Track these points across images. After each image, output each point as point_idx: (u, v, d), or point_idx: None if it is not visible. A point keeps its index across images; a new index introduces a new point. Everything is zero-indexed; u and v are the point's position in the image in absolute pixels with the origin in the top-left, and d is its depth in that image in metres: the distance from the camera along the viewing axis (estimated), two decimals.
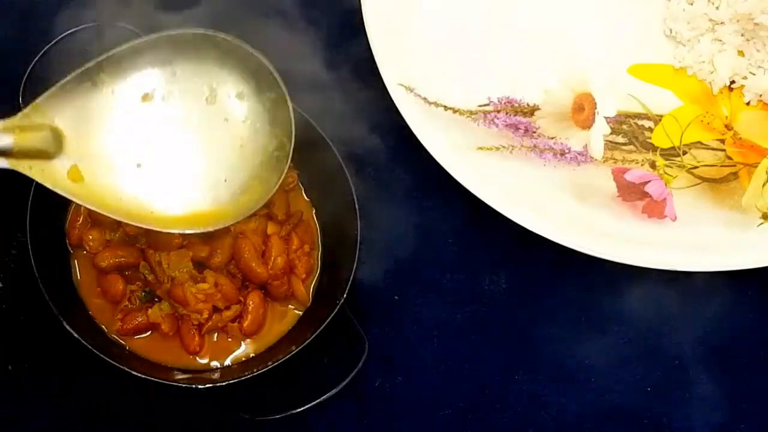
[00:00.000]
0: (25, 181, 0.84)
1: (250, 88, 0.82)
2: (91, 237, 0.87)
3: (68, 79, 0.78)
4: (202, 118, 0.82)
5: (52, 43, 0.91)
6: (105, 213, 0.80)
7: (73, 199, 0.79)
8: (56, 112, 0.78)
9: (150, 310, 0.86)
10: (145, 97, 0.81)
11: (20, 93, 0.89)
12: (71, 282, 0.88)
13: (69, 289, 0.87)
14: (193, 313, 0.86)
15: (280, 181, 0.82)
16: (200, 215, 0.82)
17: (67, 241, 0.88)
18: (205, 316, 0.86)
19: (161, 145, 0.82)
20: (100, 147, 0.80)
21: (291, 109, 0.82)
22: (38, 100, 0.77)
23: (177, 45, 0.80)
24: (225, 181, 0.82)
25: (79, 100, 0.79)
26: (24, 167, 0.77)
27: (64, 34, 0.92)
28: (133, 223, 0.81)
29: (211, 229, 0.82)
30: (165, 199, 0.82)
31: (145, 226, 0.81)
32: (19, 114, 0.77)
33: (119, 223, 0.86)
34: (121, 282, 0.87)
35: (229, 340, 0.88)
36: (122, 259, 0.87)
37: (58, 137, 0.78)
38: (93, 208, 0.79)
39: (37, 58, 0.90)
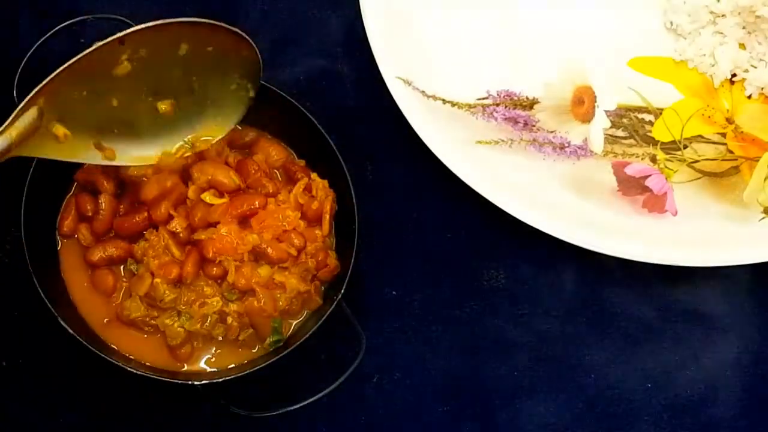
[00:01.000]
0: (20, 176, 0.84)
1: (220, 47, 0.85)
2: (83, 229, 0.88)
3: (54, 75, 0.79)
4: (169, 69, 0.85)
5: (47, 36, 0.91)
6: (88, 162, 0.85)
7: (61, 158, 0.83)
8: (41, 96, 0.80)
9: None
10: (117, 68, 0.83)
11: (14, 86, 0.89)
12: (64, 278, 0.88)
13: (62, 285, 0.87)
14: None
15: (240, 116, 0.89)
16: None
17: (57, 232, 0.88)
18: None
19: (129, 95, 0.85)
20: (78, 105, 0.82)
21: (259, 56, 0.86)
22: (27, 100, 0.79)
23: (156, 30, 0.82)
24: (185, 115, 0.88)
25: (61, 82, 0.80)
26: (21, 151, 0.79)
27: (59, 27, 0.91)
28: (113, 164, 0.86)
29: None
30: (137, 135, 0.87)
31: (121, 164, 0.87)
32: (12, 116, 0.78)
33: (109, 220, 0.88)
34: (111, 277, 0.87)
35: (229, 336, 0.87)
36: (113, 253, 0.87)
37: (41, 112, 0.80)
38: (79, 161, 0.84)
39: (31, 51, 0.90)
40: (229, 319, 0.86)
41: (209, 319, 0.86)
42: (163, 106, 0.86)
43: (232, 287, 0.86)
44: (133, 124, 0.85)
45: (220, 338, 0.86)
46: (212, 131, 0.89)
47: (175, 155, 0.88)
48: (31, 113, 0.79)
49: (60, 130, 0.82)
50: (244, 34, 0.84)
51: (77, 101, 0.81)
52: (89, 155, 0.84)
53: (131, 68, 0.82)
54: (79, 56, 0.79)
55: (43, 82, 0.78)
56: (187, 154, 0.88)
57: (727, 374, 0.94)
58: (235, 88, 0.87)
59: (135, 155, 0.87)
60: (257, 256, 0.87)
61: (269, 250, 0.86)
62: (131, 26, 0.92)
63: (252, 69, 0.86)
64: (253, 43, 0.85)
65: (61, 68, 0.79)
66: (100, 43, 0.79)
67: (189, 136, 0.88)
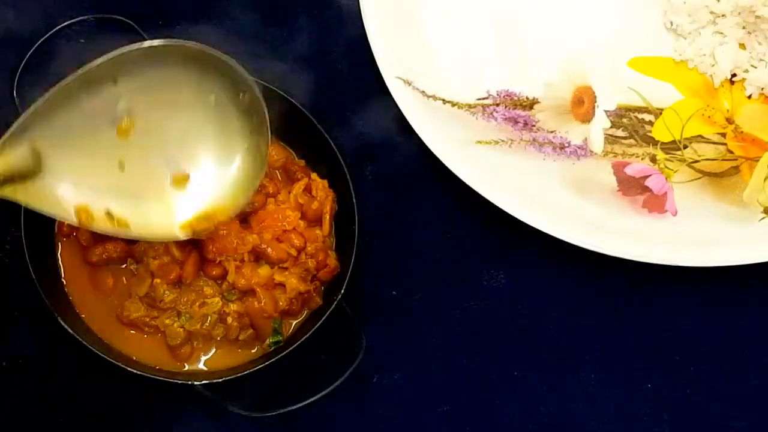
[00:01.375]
0: None
1: (223, 92, 0.82)
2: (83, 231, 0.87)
3: (43, 100, 0.76)
4: (174, 124, 0.82)
5: (47, 36, 0.91)
6: (90, 229, 0.82)
7: (62, 219, 0.81)
8: (34, 132, 0.77)
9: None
10: (119, 117, 0.81)
11: (14, 86, 0.89)
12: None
13: (62, 285, 0.87)
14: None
15: (259, 181, 0.84)
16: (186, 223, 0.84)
17: (57, 232, 0.88)
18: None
19: (138, 154, 0.82)
20: (80, 160, 0.80)
21: (266, 113, 0.82)
22: (14, 127, 0.76)
23: (148, 56, 0.78)
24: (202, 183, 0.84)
25: (56, 119, 0.78)
26: (7, 192, 0.77)
27: (59, 27, 0.91)
28: (122, 236, 0.83)
29: (191, 236, 0.84)
30: (149, 205, 0.84)
31: (136, 238, 0.84)
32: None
33: None
34: (111, 277, 0.87)
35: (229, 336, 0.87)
36: (113, 253, 0.87)
37: (37, 156, 0.78)
38: (79, 225, 0.81)
39: (31, 52, 0.90)
40: (229, 319, 0.86)
41: (209, 319, 0.86)
42: (177, 177, 0.83)
43: (232, 287, 0.86)
44: (144, 192, 0.83)
45: (220, 338, 0.86)
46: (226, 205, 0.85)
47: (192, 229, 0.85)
48: (22, 151, 0.76)
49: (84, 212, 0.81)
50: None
51: (79, 153, 0.79)
52: (99, 223, 0.82)
53: (134, 126, 0.80)
54: (68, 79, 0.76)
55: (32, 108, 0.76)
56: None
57: (724, 370, 0.94)
58: (248, 147, 0.84)
59: (149, 224, 0.83)
60: (257, 256, 0.87)
61: (269, 250, 0.86)
62: (130, 25, 0.93)
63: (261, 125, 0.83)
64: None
65: (51, 92, 0.76)
66: (90, 65, 0.76)
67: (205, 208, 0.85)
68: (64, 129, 0.78)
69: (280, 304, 0.86)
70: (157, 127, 0.82)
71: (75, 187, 0.80)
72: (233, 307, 0.86)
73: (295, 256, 0.87)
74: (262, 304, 0.85)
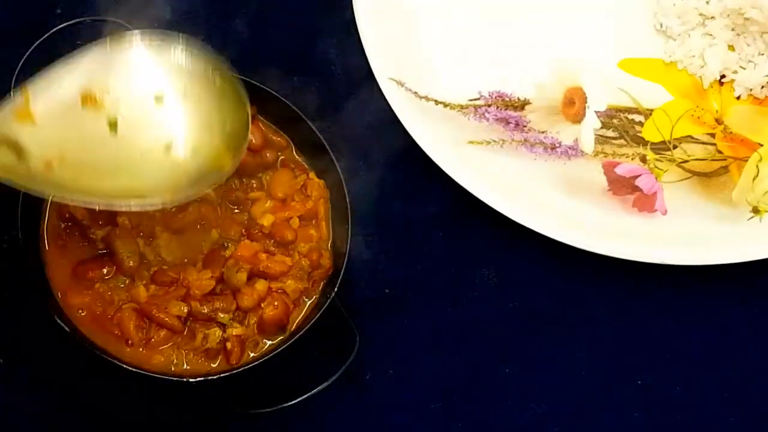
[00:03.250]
0: None
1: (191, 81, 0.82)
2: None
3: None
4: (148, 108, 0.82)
5: (44, 38, 0.91)
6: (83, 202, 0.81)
7: (55, 195, 0.81)
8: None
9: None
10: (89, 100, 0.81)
11: (11, 88, 0.89)
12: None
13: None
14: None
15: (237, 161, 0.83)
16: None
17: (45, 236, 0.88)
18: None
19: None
20: (61, 142, 0.80)
21: (248, 105, 0.83)
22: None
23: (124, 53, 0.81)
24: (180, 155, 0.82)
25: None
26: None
27: (56, 28, 0.92)
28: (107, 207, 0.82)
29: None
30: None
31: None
32: None
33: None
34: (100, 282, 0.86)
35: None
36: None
37: (17, 144, 0.78)
38: (74, 198, 0.80)
39: (27, 53, 0.91)
40: (229, 345, 0.85)
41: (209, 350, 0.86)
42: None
43: (237, 310, 0.86)
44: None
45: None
46: None
47: None
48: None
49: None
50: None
51: None
52: None
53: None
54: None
55: None
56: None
57: (713, 367, 0.95)
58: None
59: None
60: (251, 273, 0.87)
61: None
62: (127, 28, 0.93)
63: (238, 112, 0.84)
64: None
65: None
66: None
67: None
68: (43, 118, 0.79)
69: (289, 306, 0.87)
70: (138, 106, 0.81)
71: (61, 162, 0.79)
72: (233, 331, 0.86)
73: (288, 254, 0.87)
74: (273, 313, 0.86)
